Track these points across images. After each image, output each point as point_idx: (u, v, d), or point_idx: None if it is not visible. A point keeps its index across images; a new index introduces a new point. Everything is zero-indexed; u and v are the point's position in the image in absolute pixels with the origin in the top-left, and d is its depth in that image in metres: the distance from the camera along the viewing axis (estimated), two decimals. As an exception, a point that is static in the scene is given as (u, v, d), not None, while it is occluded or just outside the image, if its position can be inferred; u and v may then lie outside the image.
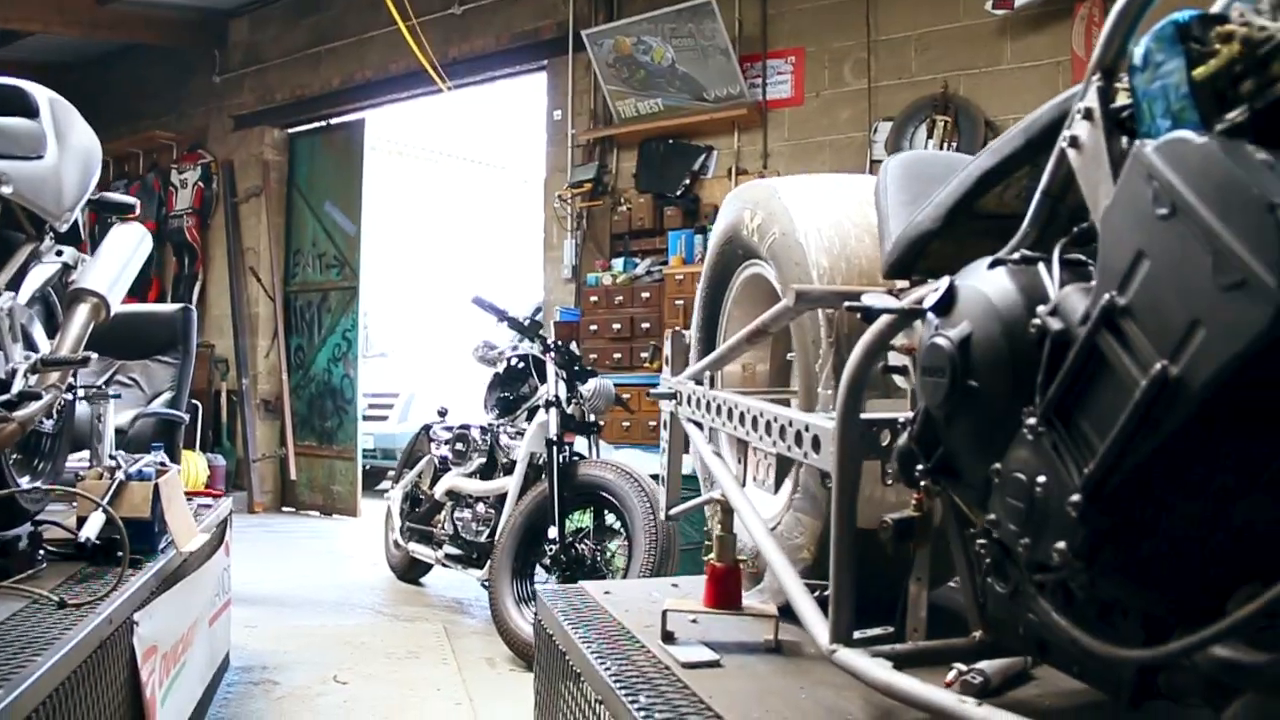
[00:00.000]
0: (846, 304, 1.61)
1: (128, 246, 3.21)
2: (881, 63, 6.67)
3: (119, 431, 4.14)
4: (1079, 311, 1.15)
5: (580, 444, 5.11)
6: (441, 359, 11.34)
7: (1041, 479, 1.17)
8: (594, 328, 7.20)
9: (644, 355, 6.87)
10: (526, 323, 5.14)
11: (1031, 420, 1.19)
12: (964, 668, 1.56)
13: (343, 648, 4.91)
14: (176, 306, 5.63)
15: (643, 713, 1.70)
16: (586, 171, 7.64)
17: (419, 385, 11.28)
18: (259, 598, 5.78)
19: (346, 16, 9.32)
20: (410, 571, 6.28)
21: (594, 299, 7.25)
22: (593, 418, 5.10)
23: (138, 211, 3.54)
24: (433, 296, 13.79)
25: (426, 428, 6.24)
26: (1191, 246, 0.97)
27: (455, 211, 16.32)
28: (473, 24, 8.48)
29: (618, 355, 7.06)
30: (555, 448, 4.65)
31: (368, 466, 10.39)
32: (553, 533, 4.52)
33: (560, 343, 5.23)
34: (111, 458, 3.20)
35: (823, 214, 2.11)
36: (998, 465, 1.25)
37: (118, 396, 3.92)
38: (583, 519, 4.78)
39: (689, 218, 7.17)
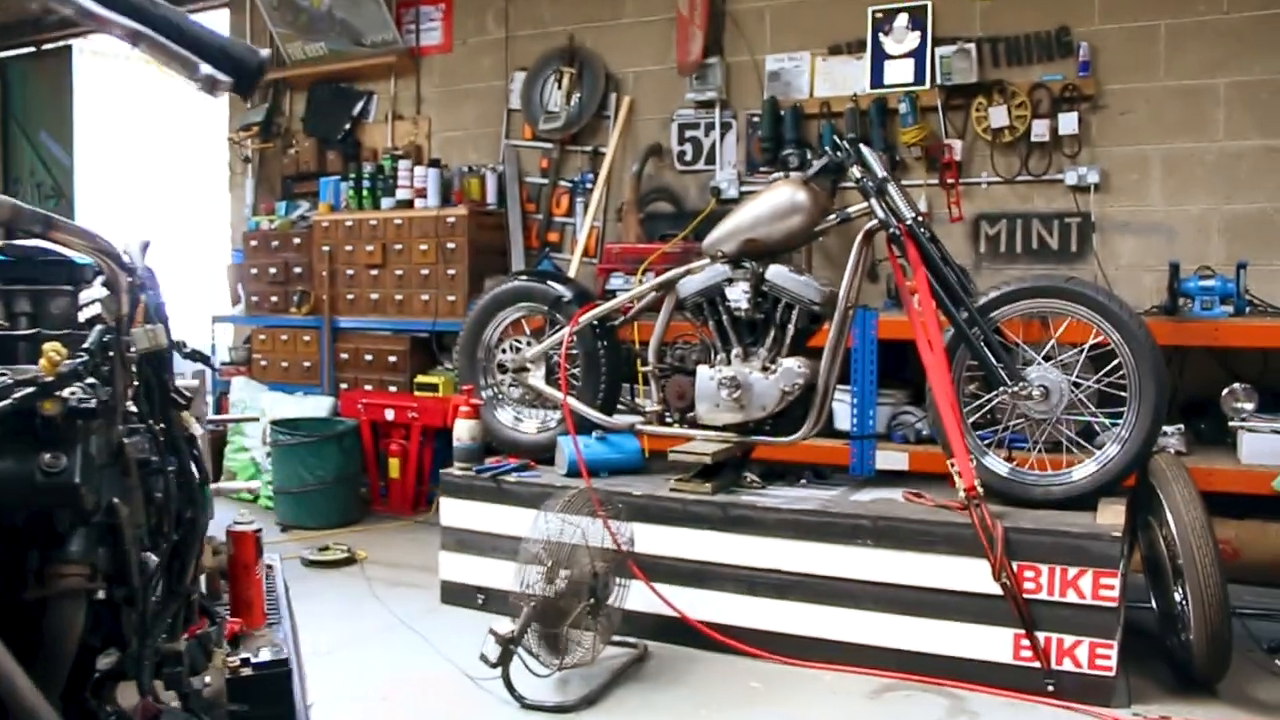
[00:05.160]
0: None
1: None
2: (519, 12, 6.77)
3: None
4: None
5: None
6: (194, 279, 11.15)
7: None
8: (254, 271, 7.27)
9: (295, 299, 6.98)
10: None
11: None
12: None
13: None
14: None
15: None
16: (256, 114, 7.64)
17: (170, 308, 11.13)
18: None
19: (44, -58, 9.02)
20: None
21: (254, 243, 7.30)
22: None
23: None
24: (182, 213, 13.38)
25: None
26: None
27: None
28: (159, -45, 8.30)
29: (275, 299, 7.16)
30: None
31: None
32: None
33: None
34: None
35: None
36: None
37: None
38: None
39: (349, 162, 7.22)
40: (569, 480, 4.32)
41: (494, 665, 3.55)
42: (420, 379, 6.44)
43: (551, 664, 3.62)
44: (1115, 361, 3.82)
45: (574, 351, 4.60)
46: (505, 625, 3.57)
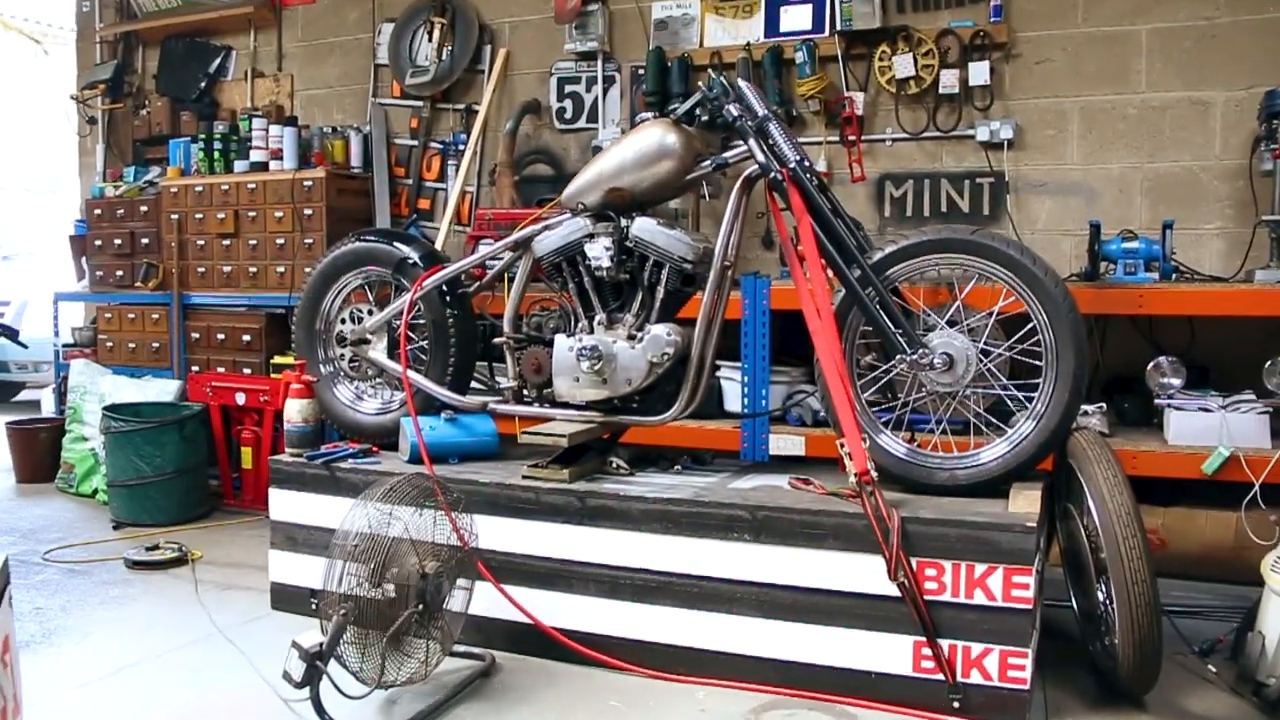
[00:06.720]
0: None
1: None
2: (388, -40, 6.18)
3: None
4: None
5: None
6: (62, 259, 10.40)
7: None
8: (99, 243, 6.58)
9: (141, 273, 6.31)
10: None
11: None
12: None
13: None
14: None
15: None
16: (104, 71, 6.96)
17: (38, 289, 10.35)
18: None
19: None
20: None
21: (98, 212, 6.61)
22: None
23: None
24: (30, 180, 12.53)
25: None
26: None
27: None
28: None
29: (121, 273, 6.48)
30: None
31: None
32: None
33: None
34: None
35: None
36: None
37: None
38: None
39: (206, 123, 6.56)
40: (412, 467, 3.75)
41: (299, 685, 2.97)
42: (277, 360, 5.82)
43: (370, 681, 3.05)
44: (1029, 325, 3.32)
45: (420, 321, 4.03)
46: (314, 636, 2.99)
